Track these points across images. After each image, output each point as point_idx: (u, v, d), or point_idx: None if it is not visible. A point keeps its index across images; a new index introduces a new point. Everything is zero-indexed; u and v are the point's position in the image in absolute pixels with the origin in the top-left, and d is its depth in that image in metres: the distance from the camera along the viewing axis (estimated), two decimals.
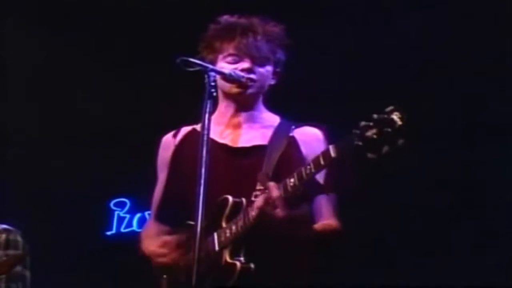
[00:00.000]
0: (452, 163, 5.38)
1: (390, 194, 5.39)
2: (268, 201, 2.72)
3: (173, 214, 3.11)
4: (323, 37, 5.43)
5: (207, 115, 2.70)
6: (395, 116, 2.42)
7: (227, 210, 2.87)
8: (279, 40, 3.12)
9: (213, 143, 2.79)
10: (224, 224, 2.86)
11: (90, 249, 6.28)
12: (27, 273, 4.17)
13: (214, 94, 2.78)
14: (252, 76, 3.04)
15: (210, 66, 2.87)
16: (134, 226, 6.54)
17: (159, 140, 3.28)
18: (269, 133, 3.07)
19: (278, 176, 2.81)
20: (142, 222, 6.26)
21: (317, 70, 5.36)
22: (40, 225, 5.85)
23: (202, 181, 2.58)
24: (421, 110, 5.08)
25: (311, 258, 2.97)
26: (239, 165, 2.99)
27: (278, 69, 3.16)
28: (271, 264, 2.80)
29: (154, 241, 3.04)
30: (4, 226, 4.28)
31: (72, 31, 6.07)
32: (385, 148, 2.44)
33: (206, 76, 2.80)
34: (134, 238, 3.25)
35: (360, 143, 2.46)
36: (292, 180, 2.71)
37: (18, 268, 4.09)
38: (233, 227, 2.81)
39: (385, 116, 2.43)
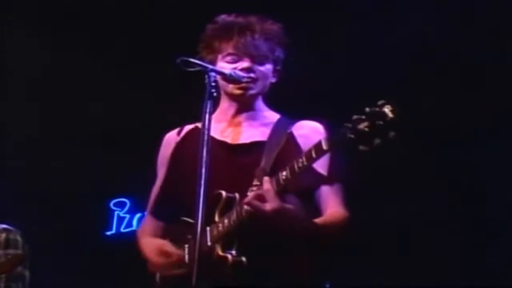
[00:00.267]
0: (452, 163, 5.38)
1: (390, 194, 5.39)
2: (257, 195, 2.72)
3: (170, 211, 3.11)
4: (323, 35, 5.44)
5: (207, 115, 2.71)
6: (387, 109, 2.43)
7: (220, 205, 2.88)
8: (278, 38, 3.12)
9: (212, 140, 2.79)
10: (217, 219, 2.86)
11: (90, 249, 6.28)
12: (27, 273, 4.18)
13: (215, 94, 2.78)
14: (252, 75, 3.04)
15: (210, 67, 2.87)
16: (134, 226, 6.55)
17: (159, 139, 3.29)
18: (268, 130, 3.07)
19: (276, 172, 2.81)
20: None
21: (316, 69, 5.36)
22: (40, 225, 5.85)
23: (203, 182, 2.58)
24: (421, 110, 5.09)
25: (308, 255, 2.96)
26: (238, 161, 3.00)
27: (278, 67, 3.16)
28: (263, 258, 2.80)
29: (153, 246, 3.03)
30: (4, 225, 4.28)
31: (72, 31, 6.07)
32: (377, 141, 2.45)
33: (206, 76, 2.80)
34: (134, 238, 3.24)
35: (352, 136, 2.48)
36: (284, 173, 2.71)
37: (18, 268, 4.10)
38: (226, 221, 2.82)
39: (377, 109, 2.45)
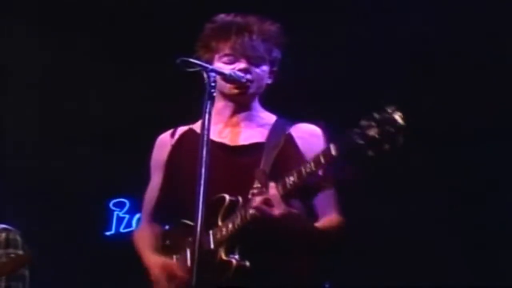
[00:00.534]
0: (452, 163, 5.38)
1: (390, 194, 5.39)
2: (265, 200, 2.73)
3: (168, 214, 3.10)
4: (323, 35, 5.44)
5: (207, 116, 2.69)
6: (397, 116, 2.44)
7: (223, 208, 2.87)
8: (275, 39, 3.10)
9: (211, 143, 2.77)
10: (219, 222, 2.85)
11: (90, 249, 6.28)
12: (26, 273, 4.18)
13: (214, 94, 2.76)
14: (248, 76, 3.02)
15: (210, 67, 2.85)
16: (133, 226, 6.53)
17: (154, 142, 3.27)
18: (266, 131, 3.06)
19: (276, 174, 2.81)
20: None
21: (316, 69, 5.36)
22: (39, 225, 5.85)
23: (202, 182, 2.57)
24: (421, 110, 5.09)
25: (308, 256, 2.96)
26: (237, 163, 2.99)
27: (274, 68, 3.14)
28: (267, 262, 2.79)
29: (157, 262, 3.00)
30: (4, 225, 4.28)
31: (72, 31, 6.06)
32: (386, 147, 2.46)
33: (206, 76, 2.78)
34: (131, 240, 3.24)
35: (362, 142, 2.48)
36: (291, 178, 2.71)
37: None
38: (229, 225, 2.81)
39: (387, 115, 2.45)
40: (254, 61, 3.05)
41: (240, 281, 2.76)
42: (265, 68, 3.09)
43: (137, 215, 6.51)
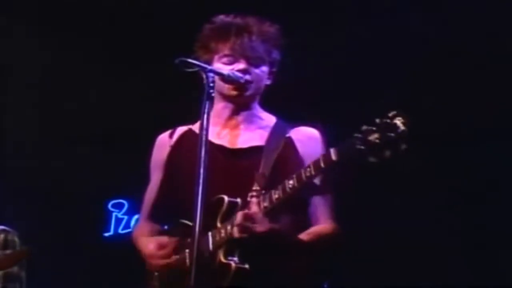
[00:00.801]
0: (452, 163, 5.38)
1: (390, 193, 5.39)
2: (247, 217, 2.73)
3: (167, 215, 3.10)
4: (322, 36, 5.44)
5: (205, 116, 2.69)
6: (398, 121, 2.42)
7: (222, 210, 2.86)
8: (275, 40, 3.10)
9: (210, 144, 2.77)
10: (219, 224, 2.85)
11: (88, 250, 6.28)
12: (23, 274, 4.18)
13: (213, 95, 2.75)
14: (247, 77, 3.01)
15: (209, 67, 2.84)
16: (132, 227, 6.53)
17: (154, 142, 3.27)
18: (265, 133, 3.06)
19: (276, 177, 2.82)
20: None
21: (315, 69, 5.36)
22: (38, 226, 5.85)
23: (201, 181, 2.57)
24: (421, 110, 5.09)
25: (307, 258, 2.95)
26: (237, 166, 2.98)
27: (273, 69, 3.14)
28: (266, 265, 2.79)
29: (151, 241, 3.02)
30: (2, 227, 4.29)
31: (72, 31, 6.06)
32: (388, 153, 2.45)
33: (204, 77, 2.78)
34: (130, 240, 3.23)
35: (363, 147, 2.47)
36: (291, 182, 2.71)
37: (15, 269, 4.11)
38: (228, 227, 2.80)
39: (388, 120, 2.44)
40: (254, 62, 3.04)
41: (240, 284, 2.75)
42: (265, 69, 3.09)
43: (136, 216, 6.51)
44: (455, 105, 5.29)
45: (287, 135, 3.05)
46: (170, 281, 2.94)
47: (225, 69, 2.99)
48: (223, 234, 2.81)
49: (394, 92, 5.25)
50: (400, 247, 5.38)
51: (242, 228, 2.72)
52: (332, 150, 2.61)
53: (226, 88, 3.03)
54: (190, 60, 2.79)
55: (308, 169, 2.68)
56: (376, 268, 5.33)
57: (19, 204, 5.75)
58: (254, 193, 2.83)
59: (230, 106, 3.11)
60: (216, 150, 2.98)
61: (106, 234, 6.67)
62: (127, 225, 6.62)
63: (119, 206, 6.70)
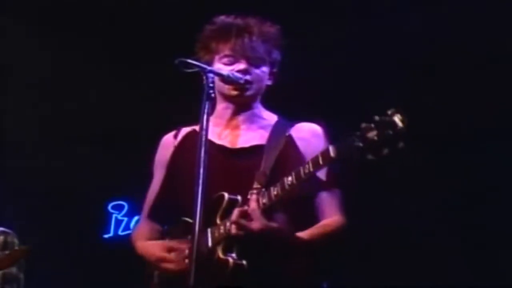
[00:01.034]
0: (452, 163, 5.38)
1: (390, 194, 5.39)
2: (243, 214, 2.74)
3: (167, 214, 3.10)
4: (322, 36, 5.44)
5: (205, 116, 2.70)
6: (397, 118, 2.42)
7: (222, 207, 2.87)
8: (275, 40, 3.10)
9: (211, 145, 2.78)
10: (218, 221, 2.85)
11: (88, 251, 6.27)
12: (22, 276, 4.18)
13: (213, 95, 2.76)
14: (248, 77, 3.02)
15: (208, 68, 2.85)
16: (132, 229, 6.53)
17: (157, 143, 3.27)
18: (266, 133, 3.06)
19: (276, 175, 2.81)
20: None
21: (315, 69, 5.36)
22: (38, 228, 5.84)
23: (201, 181, 2.58)
24: (421, 110, 5.09)
25: (304, 258, 2.94)
26: (238, 165, 2.98)
27: (274, 70, 3.15)
28: (264, 262, 2.79)
29: (156, 245, 3.02)
30: (1, 228, 4.28)
31: (72, 32, 6.06)
32: (385, 150, 2.45)
33: (204, 77, 2.79)
34: (129, 241, 3.23)
35: (361, 144, 2.47)
36: (289, 178, 2.71)
37: (13, 270, 4.10)
38: (227, 224, 2.81)
39: (387, 118, 2.44)
40: (254, 62, 3.05)
41: (237, 280, 2.75)
42: (265, 69, 3.09)
43: (136, 218, 6.51)
44: (455, 105, 5.29)
45: (288, 133, 3.05)
46: (170, 279, 2.93)
47: (225, 70, 2.99)
48: (222, 231, 2.81)
49: (394, 92, 5.25)
50: (400, 247, 5.39)
51: (238, 224, 2.73)
52: (330, 147, 2.61)
53: (227, 89, 3.04)
54: (189, 61, 2.80)
55: (307, 166, 2.68)
56: (376, 268, 5.34)
57: (19, 204, 5.75)
58: (255, 191, 2.83)
59: (231, 106, 3.11)
60: (218, 150, 2.99)
61: (106, 236, 6.66)
62: (127, 227, 6.62)
63: (119, 208, 6.69)
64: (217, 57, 3.07)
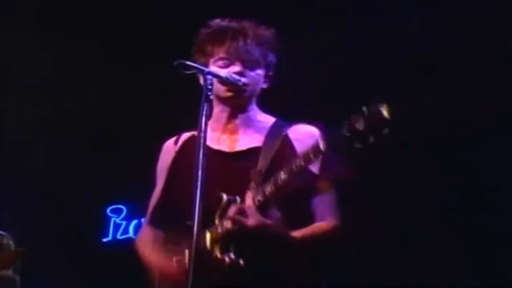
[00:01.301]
0: (452, 163, 5.38)
1: (390, 194, 5.39)
2: (239, 211, 2.77)
3: (169, 219, 3.11)
4: (322, 36, 5.44)
5: (203, 118, 2.71)
6: (381, 108, 2.50)
7: (220, 207, 2.89)
8: (270, 43, 3.12)
9: (209, 150, 2.80)
10: (216, 221, 2.88)
11: (86, 255, 6.26)
12: (17, 278, 4.17)
13: (211, 97, 2.78)
14: (243, 79, 3.03)
15: (207, 69, 2.87)
16: (131, 233, 6.54)
17: (157, 146, 3.28)
18: (263, 135, 3.08)
19: (272, 174, 2.83)
20: (138, 228, 6.21)
21: (314, 69, 5.37)
22: (36, 231, 5.84)
23: (199, 183, 2.59)
24: (421, 110, 5.09)
25: (300, 257, 2.95)
26: (235, 168, 3.00)
27: (270, 73, 3.16)
28: (261, 261, 2.81)
29: (155, 258, 3.03)
30: None
31: (72, 32, 6.06)
32: (371, 138, 2.52)
33: (202, 79, 2.81)
34: (130, 245, 3.24)
35: (348, 134, 2.54)
36: (282, 174, 2.75)
37: (9, 273, 4.09)
38: (225, 224, 2.83)
39: (373, 108, 2.52)
40: (249, 65, 3.06)
41: (235, 280, 2.78)
42: (260, 72, 3.10)
43: (134, 222, 6.51)
44: (455, 105, 5.29)
45: (284, 133, 3.06)
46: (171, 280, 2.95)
47: (223, 72, 3.00)
48: (219, 230, 2.84)
49: (394, 92, 5.24)
50: (400, 247, 5.39)
51: (234, 220, 2.77)
52: (319, 140, 2.67)
53: (222, 91, 3.05)
54: (188, 63, 2.81)
55: (298, 159, 2.72)
56: (376, 268, 5.33)
57: (18, 205, 5.75)
58: (251, 190, 2.86)
59: (227, 109, 3.12)
60: (216, 155, 3.00)
61: (105, 240, 6.65)
62: (125, 231, 6.61)
63: (117, 212, 6.68)
64: (212, 60, 3.08)
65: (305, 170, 2.77)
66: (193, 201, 2.58)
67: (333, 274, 3.16)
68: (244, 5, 4.49)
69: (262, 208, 2.81)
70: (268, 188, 2.79)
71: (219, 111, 3.12)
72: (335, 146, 2.64)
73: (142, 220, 3.37)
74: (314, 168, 2.92)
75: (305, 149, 2.72)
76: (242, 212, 2.78)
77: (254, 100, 3.16)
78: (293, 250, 2.90)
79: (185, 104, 3.57)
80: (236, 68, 3.03)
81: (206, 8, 4.93)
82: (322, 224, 2.95)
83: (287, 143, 3.03)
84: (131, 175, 5.69)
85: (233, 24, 3.10)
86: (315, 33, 5.40)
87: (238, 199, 2.87)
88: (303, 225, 2.94)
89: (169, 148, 3.23)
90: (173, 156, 3.18)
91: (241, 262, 2.79)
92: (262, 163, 2.94)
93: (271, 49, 3.12)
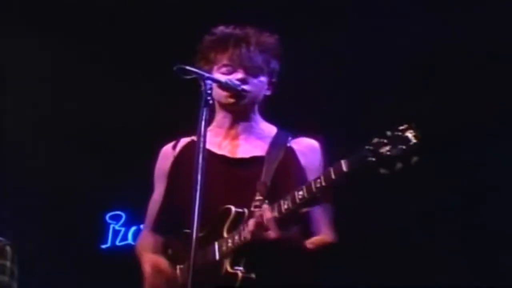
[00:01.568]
0: (452, 163, 5.37)
1: (390, 194, 5.39)
2: (260, 224, 2.75)
3: (169, 225, 3.11)
4: (322, 36, 5.43)
5: (203, 122, 2.71)
6: (410, 134, 2.50)
7: (229, 220, 2.89)
8: (273, 50, 3.14)
9: (211, 155, 2.83)
10: (225, 234, 2.88)
11: (85, 262, 6.24)
12: (14, 284, 4.15)
13: (210, 102, 2.79)
14: (245, 86, 3.04)
15: (206, 74, 2.88)
16: (129, 239, 6.51)
17: (156, 153, 3.28)
18: (266, 144, 3.09)
19: (277, 186, 2.86)
20: (137, 235, 6.14)
21: (315, 72, 5.36)
22: (34, 238, 5.83)
23: (198, 187, 2.59)
24: (421, 110, 5.08)
25: (311, 268, 2.99)
26: (238, 176, 3.01)
27: (273, 80, 3.17)
28: (271, 274, 2.82)
29: (150, 261, 3.03)
30: None
31: (71, 32, 6.05)
32: (399, 165, 2.51)
33: (202, 84, 2.81)
34: (129, 251, 3.24)
35: (374, 159, 2.51)
36: (301, 193, 2.74)
37: (5, 279, 4.07)
38: (236, 238, 2.83)
39: (399, 133, 2.50)
40: (252, 72, 3.07)
41: None
42: (263, 79, 3.12)
43: (133, 228, 6.49)
44: (455, 105, 5.28)
45: (288, 144, 3.08)
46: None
47: (223, 77, 3.02)
48: (230, 244, 2.84)
49: (394, 92, 5.25)
50: (400, 247, 5.38)
51: (255, 234, 2.75)
52: (343, 162, 2.63)
53: (223, 97, 3.06)
54: (188, 67, 2.81)
55: (319, 180, 2.70)
56: (376, 268, 5.33)
57: (12, 217, 5.73)
58: (257, 203, 2.87)
59: (229, 116, 3.14)
60: (218, 160, 3.02)
61: (103, 246, 6.63)
62: (124, 237, 6.58)
63: (116, 218, 6.66)
64: (215, 67, 3.10)
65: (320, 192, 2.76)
66: (192, 205, 2.59)
67: (333, 274, 3.17)
68: (244, 5, 4.49)
69: (277, 223, 2.79)
70: (285, 206, 2.77)
71: (221, 117, 3.14)
72: (358, 170, 2.61)
73: (141, 226, 3.36)
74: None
75: (326, 170, 2.70)
76: (261, 225, 2.75)
77: (256, 107, 3.17)
78: (305, 261, 2.92)
79: (185, 105, 3.57)
80: (239, 75, 3.05)
81: (206, 9, 4.95)
82: (327, 237, 2.99)
83: (292, 155, 3.05)
84: (130, 181, 5.69)
85: (237, 31, 3.12)
86: (315, 33, 5.39)
87: (246, 212, 2.88)
88: (308, 238, 2.97)
89: (167, 153, 3.23)
90: (171, 161, 3.18)
91: (253, 276, 2.79)
92: (266, 173, 2.95)
93: (274, 56, 3.14)
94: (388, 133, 2.51)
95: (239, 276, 2.78)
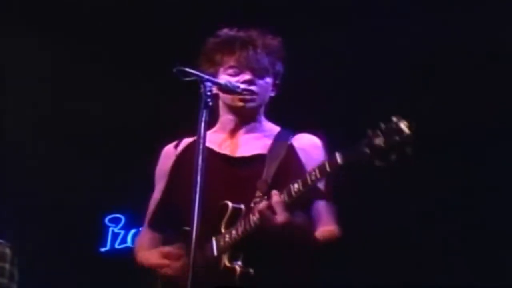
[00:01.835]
0: (452, 163, 5.37)
1: (390, 194, 5.39)
2: (269, 206, 2.74)
3: (168, 223, 3.13)
4: (322, 36, 5.43)
5: (202, 124, 2.72)
6: (403, 125, 2.48)
7: (227, 216, 2.90)
8: (278, 52, 3.18)
9: (213, 154, 2.84)
10: (223, 230, 2.89)
11: (84, 264, 6.24)
12: (14, 287, 4.15)
13: (210, 103, 2.80)
14: (253, 88, 3.08)
15: (206, 76, 2.88)
16: (129, 242, 6.50)
17: (156, 153, 3.29)
18: (268, 142, 3.11)
19: (278, 184, 2.85)
20: None
21: (315, 72, 5.36)
22: (33, 241, 5.83)
23: (198, 188, 2.60)
24: (421, 110, 5.08)
25: (310, 263, 2.99)
26: (239, 174, 3.03)
27: (277, 81, 3.22)
28: (270, 269, 2.82)
29: (154, 252, 3.05)
30: None
31: (72, 31, 6.05)
32: (393, 156, 2.49)
33: (202, 86, 2.82)
34: (128, 255, 3.24)
35: (368, 151, 2.51)
36: (296, 185, 2.74)
37: (4, 281, 4.07)
38: (233, 232, 2.84)
39: (393, 125, 2.49)
40: (258, 73, 3.11)
41: None
42: (269, 80, 3.16)
43: (133, 231, 6.48)
44: (455, 105, 5.28)
45: (289, 142, 3.09)
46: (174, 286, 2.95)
47: (223, 79, 3.05)
48: (227, 239, 2.85)
49: (394, 92, 5.25)
50: (400, 247, 5.38)
51: (263, 215, 2.73)
52: (337, 154, 2.64)
53: (231, 99, 3.09)
54: (187, 69, 2.82)
55: (314, 172, 2.70)
56: (376, 268, 5.33)
57: (11, 219, 5.73)
58: (257, 200, 2.87)
59: (235, 118, 3.18)
60: (219, 159, 3.04)
61: (103, 249, 6.63)
62: (123, 240, 6.58)
63: (115, 221, 6.66)
64: (221, 69, 3.13)
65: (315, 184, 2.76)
66: (192, 205, 2.60)
67: (333, 274, 3.17)
68: (244, 5, 4.49)
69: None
70: (283, 197, 2.76)
71: (226, 119, 3.18)
72: (353, 162, 2.61)
73: (141, 229, 3.37)
74: (319, 184, 2.89)
75: (321, 163, 2.70)
76: (270, 208, 2.74)
77: (262, 108, 3.21)
78: (306, 257, 2.93)
79: (186, 105, 3.57)
80: (246, 76, 3.08)
81: (206, 9, 4.95)
82: (331, 229, 2.99)
83: (292, 152, 3.07)
84: (129, 184, 5.69)
85: (241, 34, 3.17)
86: (315, 33, 5.39)
87: (243, 207, 2.88)
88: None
89: (169, 152, 3.25)
90: (173, 161, 3.20)
91: (251, 271, 2.80)
92: (267, 171, 2.96)
93: (279, 58, 3.19)
94: (382, 125, 2.51)
95: (237, 271, 2.79)
